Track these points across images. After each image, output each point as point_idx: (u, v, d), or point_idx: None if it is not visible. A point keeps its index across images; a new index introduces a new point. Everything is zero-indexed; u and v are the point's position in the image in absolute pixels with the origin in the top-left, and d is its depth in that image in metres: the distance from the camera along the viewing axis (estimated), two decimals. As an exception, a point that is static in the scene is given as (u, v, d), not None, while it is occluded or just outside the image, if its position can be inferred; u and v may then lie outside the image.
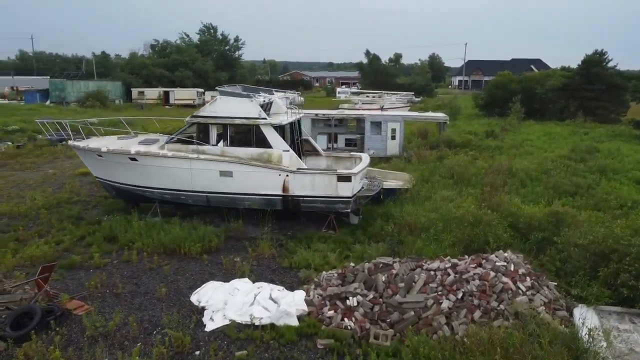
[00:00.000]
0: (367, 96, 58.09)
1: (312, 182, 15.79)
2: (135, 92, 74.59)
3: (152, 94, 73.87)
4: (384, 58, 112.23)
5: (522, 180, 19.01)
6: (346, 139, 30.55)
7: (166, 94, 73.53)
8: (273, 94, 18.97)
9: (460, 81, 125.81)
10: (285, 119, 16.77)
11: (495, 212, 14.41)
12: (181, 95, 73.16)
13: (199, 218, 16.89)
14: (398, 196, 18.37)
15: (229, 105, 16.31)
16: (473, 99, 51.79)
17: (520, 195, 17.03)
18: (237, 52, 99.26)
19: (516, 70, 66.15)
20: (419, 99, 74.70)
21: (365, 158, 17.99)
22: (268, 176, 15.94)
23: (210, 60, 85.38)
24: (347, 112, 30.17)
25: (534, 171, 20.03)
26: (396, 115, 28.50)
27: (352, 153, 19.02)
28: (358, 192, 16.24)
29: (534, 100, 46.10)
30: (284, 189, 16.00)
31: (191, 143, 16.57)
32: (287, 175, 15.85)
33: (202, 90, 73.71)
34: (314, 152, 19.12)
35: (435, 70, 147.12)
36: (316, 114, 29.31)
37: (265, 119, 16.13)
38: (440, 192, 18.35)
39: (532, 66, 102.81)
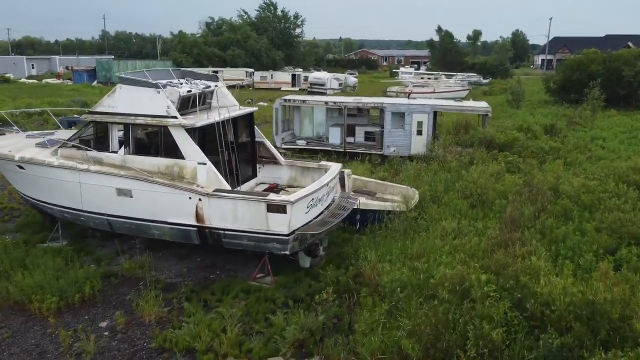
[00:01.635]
0: (422, 77, 51.59)
1: (234, 211, 10.96)
2: (185, 71, 72.29)
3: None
4: (462, 35, 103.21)
5: (567, 210, 12.98)
6: (366, 132, 25.18)
7: (215, 73, 70.59)
8: (218, 80, 14.15)
9: (543, 60, 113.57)
10: (207, 117, 11.94)
11: (498, 276, 8.95)
12: (230, 75, 69.95)
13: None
14: (384, 221, 13.19)
15: (130, 98, 11.79)
16: (544, 81, 43.77)
17: (552, 241, 11.17)
18: (297, 30, 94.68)
19: (609, 49, 56.52)
20: (487, 81, 66.65)
21: (333, 170, 12.88)
22: (175, 199, 11.32)
23: (265, 38, 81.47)
24: (364, 99, 24.75)
25: (589, 193, 13.86)
26: (424, 104, 22.75)
27: (322, 162, 13.88)
28: (307, 224, 11.22)
29: (619, 85, 37.74)
30: (198, 217, 11.32)
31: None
32: (200, 199, 11.13)
33: (252, 70, 70.11)
34: (272, 160, 14.20)
35: (518, 48, 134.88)
36: (326, 102, 24.14)
37: (175, 117, 11.43)
38: (443, 223, 12.85)
39: (629, 43, 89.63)
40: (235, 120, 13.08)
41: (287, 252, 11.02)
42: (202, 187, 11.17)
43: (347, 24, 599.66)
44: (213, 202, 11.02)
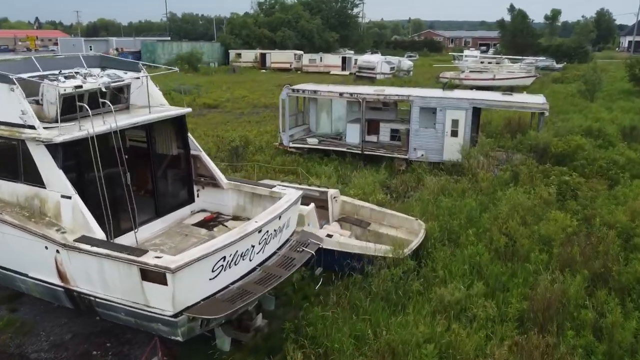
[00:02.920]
0: (482, 62, 45.56)
1: (101, 273, 7.22)
2: (232, 54, 69.73)
3: (249, 56, 68.35)
4: (540, 15, 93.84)
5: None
6: (392, 130, 20.72)
7: (263, 56, 67.48)
8: (140, 69, 10.37)
9: (630, 42, 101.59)
10: (92, 127, 8.13)
11: None
12: (278, 57, 66.56)
13: None
14: (364, 272, 9.14)
15: (-20, 97, 8.24)
16: (628, 67, 36.72)
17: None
18: (354, 10, 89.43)
19: None
20: (560, 66, 59.01)
21: (284, 203, 8.84)
22: (30, 247, 7.74)
23: (318, 18, 77.10)
24: (388, 90, 20.19)
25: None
26: (461, 98, 17.95)
27: (275, 188, 9.75)
28: (214, 295, 7.31)
29: None
30: (61, 275, 7.69)
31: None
32: (58, 251, 7.47)
33: (301, 52, 66.19)
34: (211, 182, 10.30)
35: (602, 29, 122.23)
36: (341, 93, 19.83)
37: (32, 127, 7.77)
38: (443, 290, 8.52)
39: None
40: (150, 128, 9.29)
41: (180, 338, 7.18)
42: (65, 232, 7.52)
43: (418, 4, 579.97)
44: (74, 257, 7.33)
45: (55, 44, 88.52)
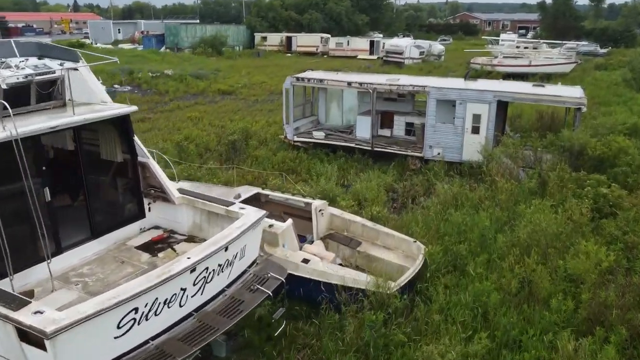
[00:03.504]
0: (518, 46, 42.37)
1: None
2: (258, 37, 67.96)
3: (275, 39, 66.41)
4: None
5: None
6: (407, 124, 18.61)
7: (289, 39, 65.46)
8: (79, 61, 8.64)
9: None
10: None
11: None
12: (304, 41, 64.43)
13: None
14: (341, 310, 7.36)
15: None
16: (682, 55, 33.24)
17: None
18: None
19: None
20: (604, 51, 54.95)
21: (237, 227, 7.06)
22: None
23: (347, 0, 74.29)
24: (403, 80, 17.98)
25: None
26: (484, 90, 15.67)
27: (233, 207, 7.92)
28: (124, 356, 5.63)
29: None
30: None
31: None
32: None
33: (328, 36, 63.83)
34: (162, 196, 8.57)
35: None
36: (349, 83, 17.78)
37: None
38: (431, 347, 6.63)
39: None
40: (79, 131, 7.59)
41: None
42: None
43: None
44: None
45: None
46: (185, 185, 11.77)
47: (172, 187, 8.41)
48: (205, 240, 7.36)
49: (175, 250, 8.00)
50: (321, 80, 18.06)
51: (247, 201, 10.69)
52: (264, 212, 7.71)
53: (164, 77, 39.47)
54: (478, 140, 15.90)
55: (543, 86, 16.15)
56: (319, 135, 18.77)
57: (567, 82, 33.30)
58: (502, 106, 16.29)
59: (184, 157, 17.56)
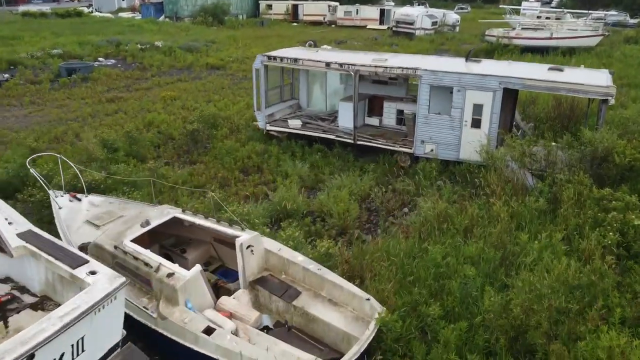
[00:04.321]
0: (539, 16, 38.47)
1: None
2: (263, 5, 64.43)
3: (280, 7, 62.84)
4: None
5: None
6: (399, 112, 15.76)
7: (295, 7, 61.85)
8: None
9: None
10: None
11: None
12: (310, 9, 60.79)
13: None
14: None
15: None
16: None
17: None
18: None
19: None
20: (635, 21, 50.47)
21: (64, 312, 4.56)
22: None
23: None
24: (391, 60, 14.90)
25: None
26: (487, 75, 12.70)
27: (78, 271, 5.39)
28: None
29: None
30: None
31: None
32: None
33: (336, 3, 60.02)
34: (-2, 241, 6.07)
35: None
36: (327, 63, 14.88)
37: None
38: None
39: None
40: None
41: None
42: None
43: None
44: None
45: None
46: (96, 200, 9.32)
47: (8, 233, 5.90)
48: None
49: (7, 326, 5.56)
50: (296, 60, 15.21)
51: (163, 227, 8.21)
52: (121, 280, 5.17)
53: (153, 49, 36.72)
54: (479, 136, 13.08)
55: (561, 70, 13.09)
56: (294, 124, 16.05)
57: (592, 58, 29.87)
58: (510, 95, 13.35)
59: (134, 149, 15.07)
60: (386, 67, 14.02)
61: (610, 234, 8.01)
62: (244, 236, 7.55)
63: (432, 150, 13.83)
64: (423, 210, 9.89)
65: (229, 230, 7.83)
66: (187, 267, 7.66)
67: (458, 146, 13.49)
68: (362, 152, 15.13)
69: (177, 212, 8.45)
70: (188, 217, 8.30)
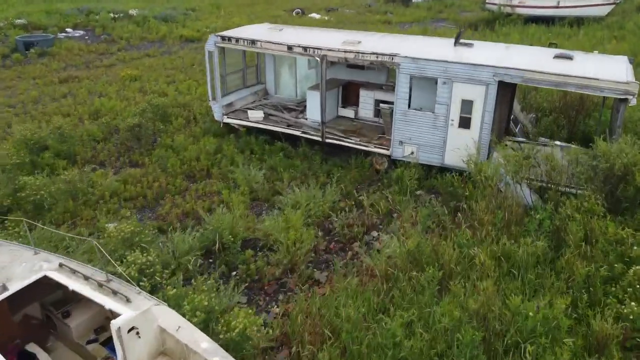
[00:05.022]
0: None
1: None
2: (252, -32, 60.49)
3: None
4: None
5: None
6: (377, 102, 13.39)
7: (286, -29, 57.96)
8: None
9: None
10: None
11: None
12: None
13: None
14: None
15: None
16: None
17: None
18: None
19: None
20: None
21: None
22: None
23: None
24: (364, 42, 12.28)
25: None
26: (479, 65, 10.30)
27: None
28: None
29: None
30: None
31: None
32: None
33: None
34: None
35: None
36: (290, 47, 12.42)
37: None
38: None
39: None
40: None
41: None
42: None
43: None
44: None
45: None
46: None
47: None
48: None
49: None
50: (253, 42, 12.75)
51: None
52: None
53: (126, 18, 33.88)
54: (468, 138, 10.82)
55: (570, 58, 10.64)
56: (255, 117, 13.73)
57: (602, 30, 27.11)
58: (507, 89, 10.97)
59: (65, 148, 12.84)
60: (358, 52, 11.59)
61: (633, 303, 5.87)
62: (124, 316, 5.42)
63: (412, 153, 11.58)
64: (390, 248, 7.73)
65: (109, 303, 5.71)
66: (71, 336, 5.65)
67: (443, 149, 11.24)
68: (333, 150, 12.90)
69: (52, 267, 6.32)
70: (62, 277, 6.16)
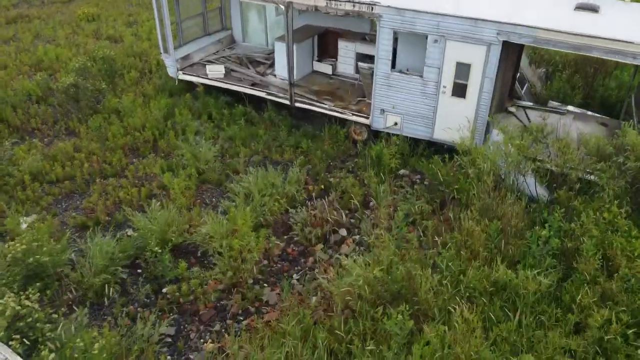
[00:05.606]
0: None
1: None
2: None
3: None
4: None
5: None
6: (359, 56, 11.24)
7: None
8: None
9: None
10: None
11: None
12: None
13: None
14: None
15: None
16: None
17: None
18: None
19: None
20: None
21: None
22: None
23: None
24: None
25: None
26: (481, 20, 8.18)
27: None
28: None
29: None
30: None
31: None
32: None
33: None
34: None
35: None
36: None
37: None
38: None
39: None
40: None
41: None
42: None
43: None
44: None
45: None
46: None
47: None
48: None
49: None
50: (206, -17, 10.47)
51: None
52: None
53: None
54: (462, 109, 8.87)
55: (595, 10, 8.37)
56: (215, 72, 11.63)
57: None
58: (514, 48, 8.84)
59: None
60: (333, 4, 9.35)
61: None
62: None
63: (395, 124, 9.65)
64: (352, 275, 6.05)
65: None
66: None
67: (432, 120, 9.31)
68: (305, 115, 10.96)
69: None
70: None
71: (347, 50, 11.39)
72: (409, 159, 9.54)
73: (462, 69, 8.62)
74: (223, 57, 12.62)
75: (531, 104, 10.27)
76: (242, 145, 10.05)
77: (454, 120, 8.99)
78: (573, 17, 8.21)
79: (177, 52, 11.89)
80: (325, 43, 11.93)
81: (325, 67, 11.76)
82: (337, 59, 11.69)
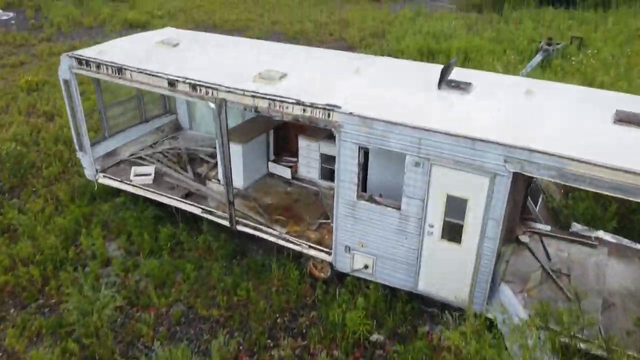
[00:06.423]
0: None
1: None
2: None
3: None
4: None
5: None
6: (324, 158, 8.69)
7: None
8: None
9: None
10: None
11: None
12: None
13: None
14: None
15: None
16: None
17: None
18: None
19: None
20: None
21: None
22: None
23: None
24: (289, 78, 7.49)
25: None
26: (483, 142, 5.67)
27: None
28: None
29: None
30: None
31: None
32: None
33: None
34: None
35: None
36: (170, 82, 7.67)
37: None
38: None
39: None
40: None
41: None
42: None
43: None
44: None
45: None
46: None
47: None
48: None
49: None
50: (120, 70, 7.97)
51: None
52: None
53: (70, -4, 28.72)
54: (457, 258, 6.23)
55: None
56: (141, 177, 9.07)
57: (636, 14, 22.00)
58: (523, 182, 6.30)
59: None
60: (274, 99, 6.84)
61: None
62: None
63: (366, 266, 6.99)
64: None
65: None
66: None
67: (415, 268, 6.64)
68: (250, 244, 8.33)
69: None
70: None
71: (309, 150, 8.87)
72: (386, 317, 6.85)
73: (456, 205, 6.03)
74: (160, 152, 10.11)
75: (549, 228, 7.66)
76: (159, 289, 7.37)
77: (446, 271, 6.36)
78: (616, 136, 5.63)
79: (98, 147, 9.41)
80: (284, 138, 9.45)
81: (282, 170, 9.21)
82: (297, 159, 9.17)
